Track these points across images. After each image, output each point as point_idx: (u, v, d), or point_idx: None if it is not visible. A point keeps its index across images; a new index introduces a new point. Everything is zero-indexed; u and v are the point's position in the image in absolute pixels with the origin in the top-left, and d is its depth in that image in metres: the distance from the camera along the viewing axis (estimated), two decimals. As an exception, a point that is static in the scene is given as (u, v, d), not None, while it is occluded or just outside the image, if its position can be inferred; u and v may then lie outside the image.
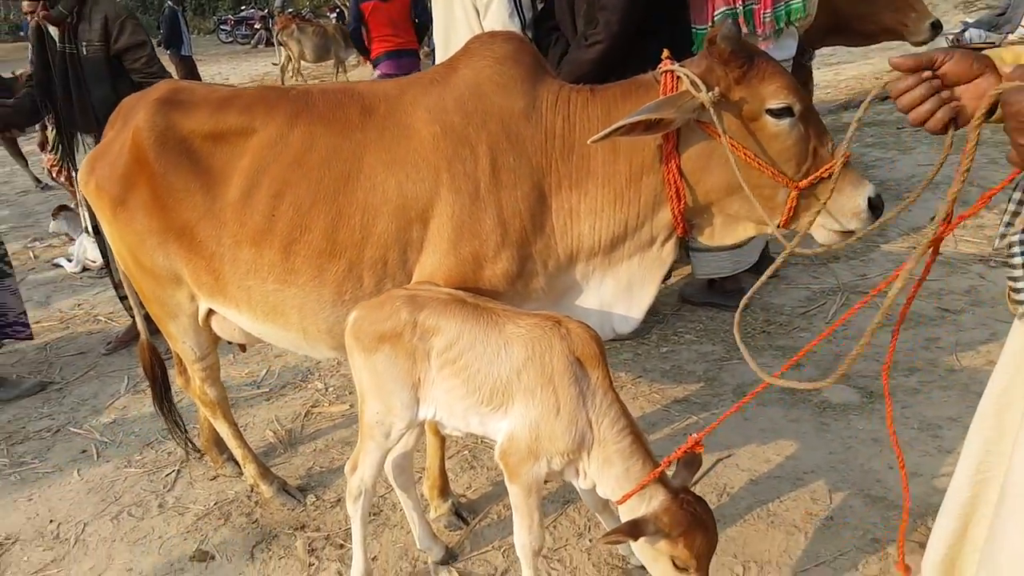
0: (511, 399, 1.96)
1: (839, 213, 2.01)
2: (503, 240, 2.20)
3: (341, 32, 13.76)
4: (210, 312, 2.64)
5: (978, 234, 4.74)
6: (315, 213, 2.27)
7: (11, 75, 4.56)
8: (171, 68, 11.14)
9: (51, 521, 3.04)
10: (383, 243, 2.25)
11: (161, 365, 3.05)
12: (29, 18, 4.21)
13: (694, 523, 1.83)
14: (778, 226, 2.08)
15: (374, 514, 2.84)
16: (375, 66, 6.86)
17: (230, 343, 2.86)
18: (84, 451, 3.55)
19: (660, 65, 2.14)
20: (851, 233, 2.05)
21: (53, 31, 4.10)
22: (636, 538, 1.84)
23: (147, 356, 3.00)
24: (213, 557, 2.74)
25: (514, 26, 3.72)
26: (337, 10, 18.89)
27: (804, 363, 3.57)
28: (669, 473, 1.97)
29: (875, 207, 2.00)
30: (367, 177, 2.25)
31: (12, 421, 3.88)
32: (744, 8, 3.51)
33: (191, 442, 3.23)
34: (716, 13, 3.52)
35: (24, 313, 4.25)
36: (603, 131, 1.96)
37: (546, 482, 2.80)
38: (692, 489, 1.94)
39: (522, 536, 2.05)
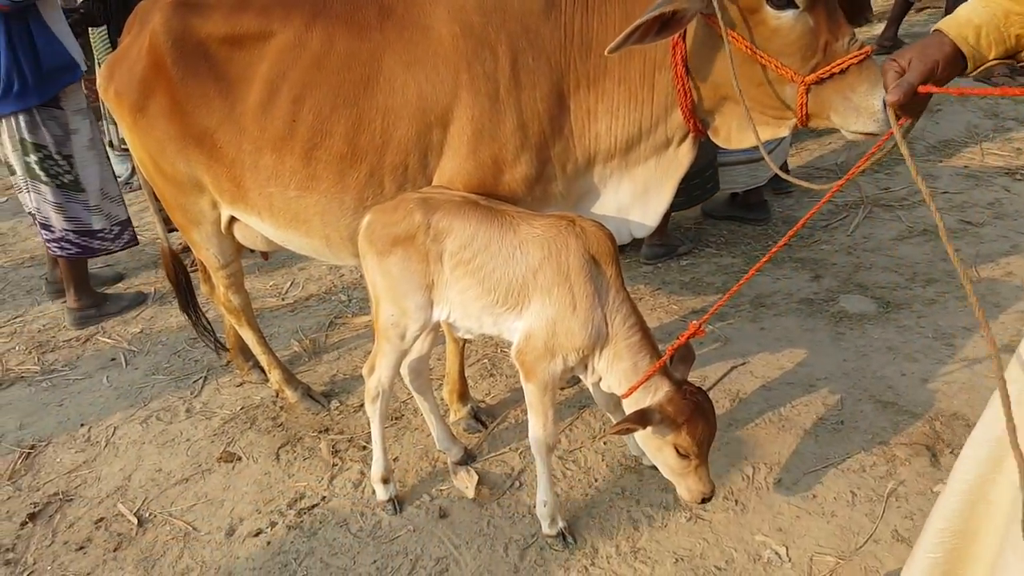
0: (527, 298, 1.99)
1: (853, 113, 1.89)
2: (523, 143, 2.18)
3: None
4: (232, 219, 2.67)
5: (1006, 146, 4.64)
6: (335, 118, 2.25)
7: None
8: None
9: (82, 425, 3.15)
10: (404, 147, 2.24)
11: (184, 272, 3.10)
12: None
13: (696, 412, 1.90)
14: (794, 126, 2.04)
15: (395, 418, 2.92)
16: None
17: (253, 251, 2.90)
18: (113, 359, 3.65)
19: None
20: (874, 135, 1.97)
21: None
22: (644, 426, 1.90)
23: (169, 264, 3.05)
24: (240, 458, 2.84)
25: None
26: None
27: (823, 274, 3.57)
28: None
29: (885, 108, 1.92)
30: (387, 80, 2.22)
31: (42, 331, 3.98)
32: None
33: (220, 343, 3.30)
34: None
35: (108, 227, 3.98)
36: (619, 38, 1.88)
37: (562, 389, 2.87)
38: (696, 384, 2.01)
39: (537, 432, 2.11)
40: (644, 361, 1.97)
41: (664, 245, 3.88)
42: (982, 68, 1.53)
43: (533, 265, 1.96)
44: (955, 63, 1.49)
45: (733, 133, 2.17)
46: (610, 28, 2.12)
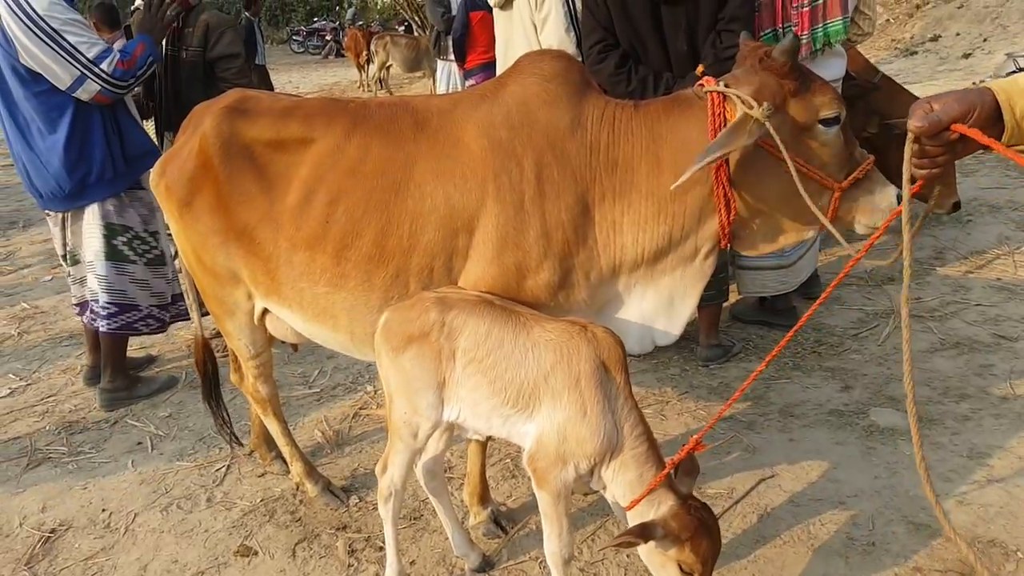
0: (538, 402, 2.01)
1: (875, 210, 2.14)
2: (546, 251, 2.24)
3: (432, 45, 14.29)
4: (265, 311, 2.73)
5: (1040, 260, 4.61)
6: (367, 220, 2.34)
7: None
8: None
9: (103, 510, 3.15)
10: (430, 251, 2.31)
11: (213, 361, 3.15)
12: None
13: (701, 528, 1.87)
14: (820, 229, 2.22)
15: (414, 518, 2.89)
16: (468, 76, 6.90)
17: (283, 343, 2.94)
18: (139, 443, 3.67)
19: (700, 82, 2.18)
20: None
21: None
22: (646, 541, 1.86)
23: (200, 351, 3.10)
24: (256, 553, 2.81)
25: (570, 41, 3.76)
26: (405, 23, 19.30)
27: (853, 385, 3.52)
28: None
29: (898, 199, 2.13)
30: (417, 187, 2.31)
31: (72, 411, 4.03)
32: (784, 29, 3.51)
33: (235, 436, 3.32)
34: (762, 34, 3.51)
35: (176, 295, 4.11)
36: (684, 175, 2.03)
37: (585, 495, 2.82)
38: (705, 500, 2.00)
39: (552, 544, 2.07)
40: (649, 473, 1.96)
41: (721, 346, 3.90)
42: (1015, 148, 1.41)
43: (545, 368, 1.99)
44: (991, 123, 1.40)
45: (759, 240, 2.26)
46: (636, 146, 2.23)
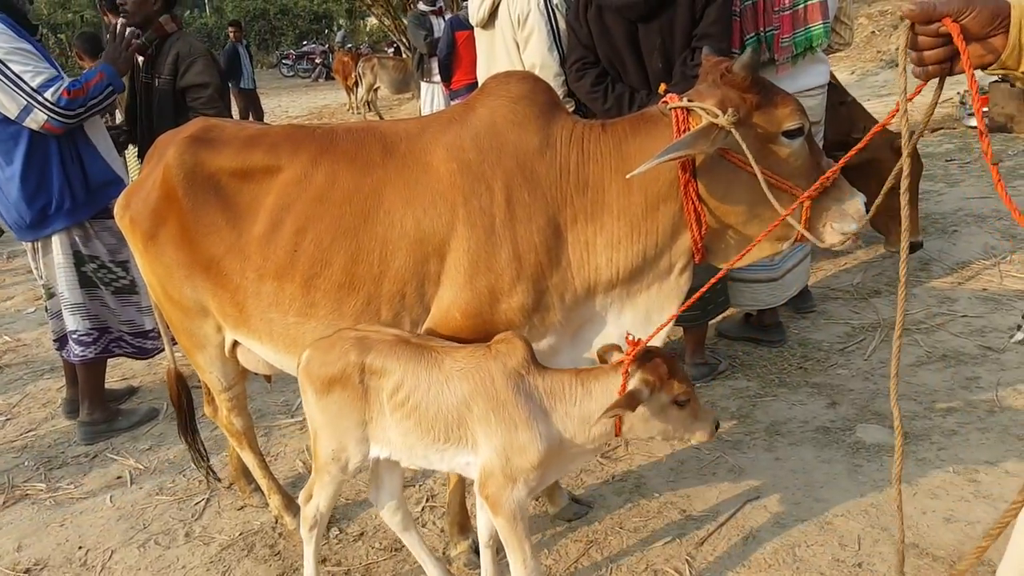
0: (468, 431, 2.03)
1: (843, 216, 2.13)
2: (518, 274, 2.21)
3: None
4: (236, 343, 2.69)
5: (1025, 269, 4.59)
6: (335, 248, 2.31)
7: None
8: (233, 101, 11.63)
9: (80, 548, 3.09)
10: (401, 277, 2.28)
11: (187, 393, 3.10)
12: None
13: (666, 361, 1.96)
14: (792, 242, 2.22)
15: (395, 549, 2.83)
16: (454, 97, 6.90)
17: (256, 374, 2.90)
18: (119, 477, 3.61)
19: (664, 99, 2.16)
20: (853, 234, 2.16)
21: (139, 60, 4.22)
22: (635, 407, 1.90)
23: (174, 384, 3.05)
24: (234, 588, 2.76)
25: (552, 59, 3.74)
26: (395, 46, 19.37)
27: (840, 401, 3.48)
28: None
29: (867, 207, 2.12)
30: (386, 213, 2.29)
31: (52, 446, 3.98)
32: (766, 33, 3.52)
33: (212, 470, 3.27)
34: (747, 38, 3.52)
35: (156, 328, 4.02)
36: (641, 168, 2.02)
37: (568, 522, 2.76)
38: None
39: (518, 572, 2.03)
40: (595, 385, 2.00)
41: (706, 364, 3.87)
42: (1005, 72, 1.36)
43: (463, 398, 2.01)
44: (993, 29, 1.31)
45: (733, 254, 2.21)
46: (605, 167, 2.22)
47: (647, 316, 2.31)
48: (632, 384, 1.94)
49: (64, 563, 3.01)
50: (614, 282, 2.26)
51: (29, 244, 3.80)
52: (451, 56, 6.68)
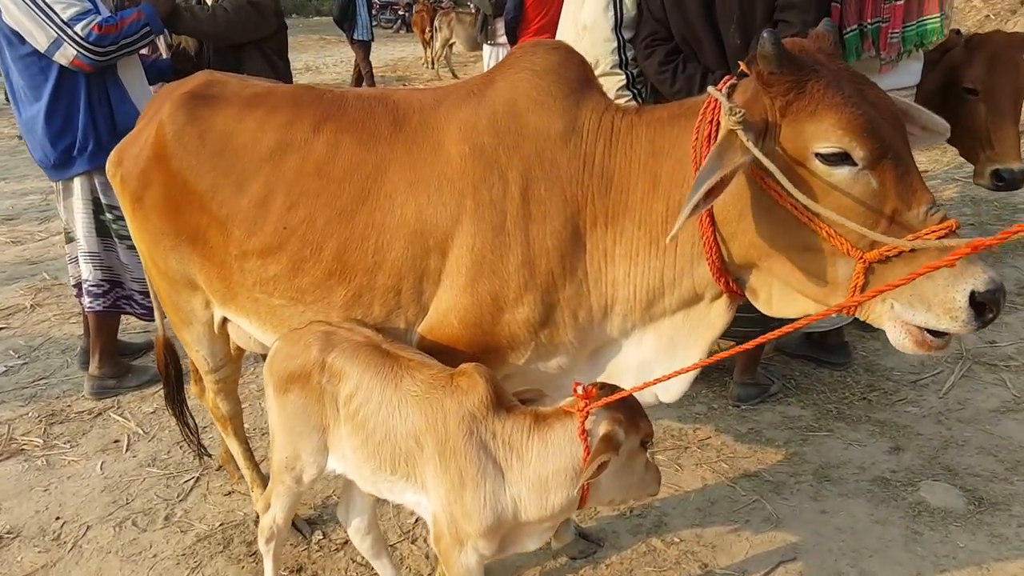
0: (417, 470, 1.75)
1: (923, 305, 1.49)
2: (527, 282, 1.87)
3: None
4: (226, 320, 2.43)
5: None
6: (328, 230, 2.02)
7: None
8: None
9: (57, 518, 2.92)
10: (397, 271, 1.98)
11: (176, 363, 2.87)
12: None
13: (629, 404, 1.67)
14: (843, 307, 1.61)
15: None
16: None
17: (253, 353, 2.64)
18: (116, 441, 3.45)
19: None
20: (943, 337, 1.54)
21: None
22: (617, 449, 1.61)
23: (162, 352, 2.82)
24: (200, 589, 2.53)
25: (606, 21, 3.26)
26: None
27: (905, 446, 3.03)
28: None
29: (981, 307, 1.45)
30: (387, 196, 1.98)
31: (60, 397, 3.84)
32: (872, 25, 2.97)
33: (203, 447, 3.05)
34: (846, 31, 2.99)
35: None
36: (679, 221, 1.56)
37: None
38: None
39: None
40: (558, 437, 1.66)
41: (756, 384, 3.43)
42: None
43: (414, 431, 1.73)
44: None
45: (775, 299, 1.78)
46: (634, 162, 1.84)
47: (672, 346, 1.93)
48: (600, 426, 1.61)
49: (37, 534, 2.84)
50: (632, 302, 1.89)
51: (56, 184, 3.64)
52: (518, 17, 6.26)
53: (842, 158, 1.52)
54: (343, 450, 1.87)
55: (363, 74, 12.31)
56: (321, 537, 2.73)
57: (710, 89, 1.67)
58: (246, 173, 2.14)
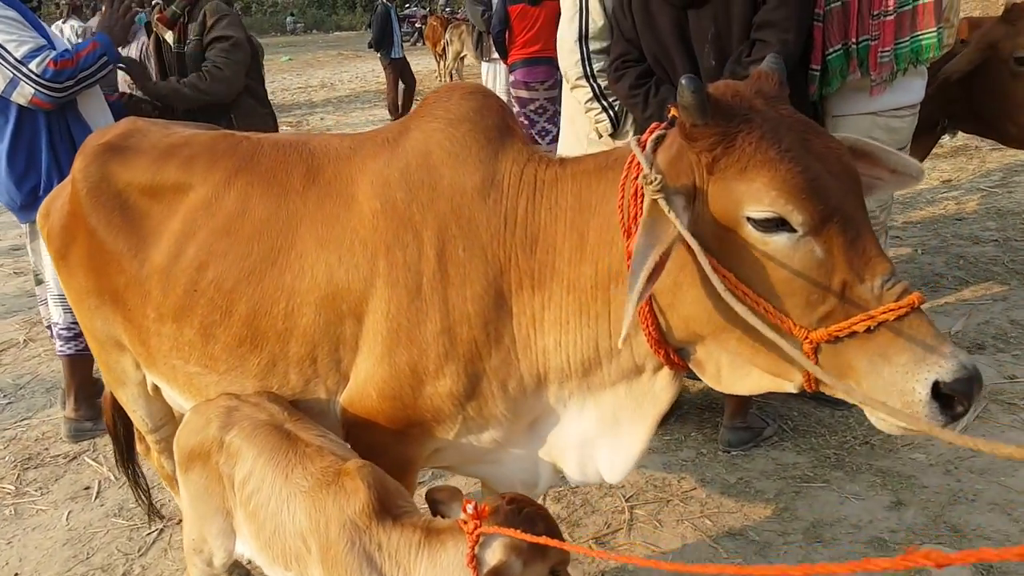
0: (309, 571, 1.57)
1: (880, 394, 1.29)
2: (448, 352, 1.71)
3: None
4: None
5: None
6: (237, 294, 1.88)
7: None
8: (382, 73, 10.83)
9: (16, 575, 2.83)
10: (310, 338, 1.84)
11: (126, 423, 2.75)
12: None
13: (538, 511, 1.45)
14: (801, 387, 1.43)
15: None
16: (511, 71, 6.42)
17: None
18: (87, 488, 3.37)
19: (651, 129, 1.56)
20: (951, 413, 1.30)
21: (168, 36, 4.01)
22: None
23: (109, 411, 2.71)
24: (145, 659, 2.41)
25: (571, 32, 3.08)
26: None
27: (908, 501, 2.79)
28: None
29: (947, 400, 1.25)
30: (298, 256, 1.84)
31: (39, 440, 3.78)
32: (859, 44, 2.75)
33: (155, 508, 2.94)
34: (829, 52, 2.77)
35: None
36: (625, 319, 1.37)
37: None
38: None
39: None
40: (446, 556, 1.45)
41: (748, 428, 3.20)
42: None
43: (300, 531, 1.56)
44: None
45: (724, 373, 1.57)
46: (560, 219, 1.66)
47: (615, 421, 1.74)
48: (494, 553, 1.38)
49: (-6, 592, 2.76)
50: (567, 372, 1.71)
51: (24, 226, 3.57)
52: (503, 32, 6.13)
53: (778, 223, 1.33)
54: (245, 536, 1.72)
55: (408, 87, 11.93)
56: None
57: (630, 142, 1.50)
58: (159, 230, 2.02)
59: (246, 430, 1.70)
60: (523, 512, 1.43)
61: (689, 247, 1.34)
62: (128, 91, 4.05)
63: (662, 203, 1.34)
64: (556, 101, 5.04)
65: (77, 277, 2.19)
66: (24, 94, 3.14)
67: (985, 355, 3.72)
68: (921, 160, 4.49)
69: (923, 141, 4.08)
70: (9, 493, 3.34)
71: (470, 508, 1.40)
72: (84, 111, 3.41)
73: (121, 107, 3.77)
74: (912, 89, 2.92)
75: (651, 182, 1.35)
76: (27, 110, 3.22)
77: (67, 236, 2.18)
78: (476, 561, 1.38)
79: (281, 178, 1.91)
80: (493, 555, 1.38)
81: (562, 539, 1.40)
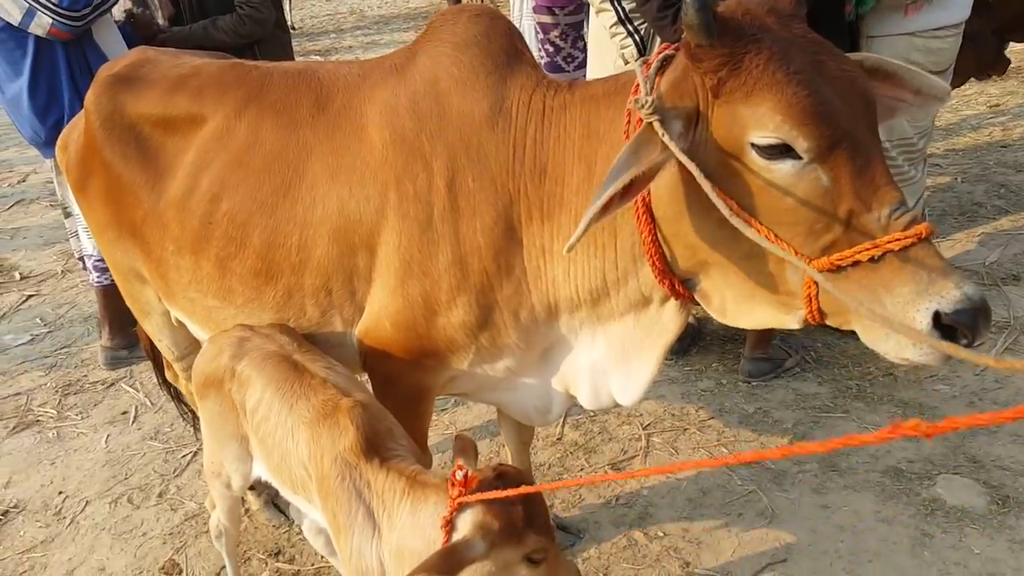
0: (313, 497, 1.62)
1: (882, 324, 1.26)
2: (460, 283, 1.72)
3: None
4: None
5: None
6: (251, 226, 1.90)
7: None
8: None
9: (60, 493, 2.99)
10: (324, 270, 1.86)
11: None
12: None
13: (527, 508, 1.34)
14: (804, 320, 1.41)
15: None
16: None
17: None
18: (124, 412, 3.50)
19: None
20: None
21: None
22: (455, 570, 1.26)
23: (145, 337, 2.77)
24: (181, 571, 2.54)
25: None
26: None
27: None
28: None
29: (950, 330, 1.22)
30: (308, 188, 1.84)
31: (78, 367, 3.91)
32: None
33: (196, 416, 3.04)
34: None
35: None
36: (578, 230, 1.35)
37: None
38: None
39: None
40: (427, 509, 1.42)
41: (769, 359, 3.19)
42: None
43: (303, 460, 1.60)
44: None
45: (729, 305, 1.55)
46: (568, 145, 1.64)
47: (623, 352, 1.74)
48: (464, 527, 1.32)
49: (40, 509, 2.92)
50: (576, 302, 1.71)
51: (50, 160, 3.61)
52: None
53: (783, 150, 1.28)
54: (259, 460, 1.79)
55: None
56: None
57: (633, 64, 1.46)
58: (174, 163, 2.03)
59: (256, 360, 1.74)
60: (499, 478, 1.37)
61: (689, 172, 1.31)
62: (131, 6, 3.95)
63: (656, 126, 1.31)
64: (579, 26, 4.87)
65: (96, 210, 2.22)
66: (42, 24, 3.13)
67: (1019, 287, 3.63)
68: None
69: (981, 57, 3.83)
70: (52, 417, 3.48)
71: (459, 475, 1.36)
72: (100, 41, 3.40)
73: (130, 33, 3.73)
74: (957, 5, 2.77)
75: (642, 105, 1.32)
76: (45, 43, 3.22)
77: (84, 169, 2.20)
78: (451, 527, 1.34)
79: (290, 108, 1.90)
80: (463, 529, 1.34)
81: (548, 525, 1.39)
